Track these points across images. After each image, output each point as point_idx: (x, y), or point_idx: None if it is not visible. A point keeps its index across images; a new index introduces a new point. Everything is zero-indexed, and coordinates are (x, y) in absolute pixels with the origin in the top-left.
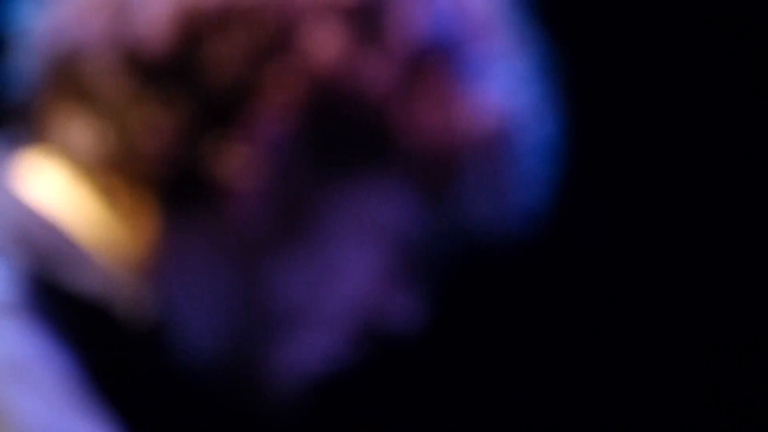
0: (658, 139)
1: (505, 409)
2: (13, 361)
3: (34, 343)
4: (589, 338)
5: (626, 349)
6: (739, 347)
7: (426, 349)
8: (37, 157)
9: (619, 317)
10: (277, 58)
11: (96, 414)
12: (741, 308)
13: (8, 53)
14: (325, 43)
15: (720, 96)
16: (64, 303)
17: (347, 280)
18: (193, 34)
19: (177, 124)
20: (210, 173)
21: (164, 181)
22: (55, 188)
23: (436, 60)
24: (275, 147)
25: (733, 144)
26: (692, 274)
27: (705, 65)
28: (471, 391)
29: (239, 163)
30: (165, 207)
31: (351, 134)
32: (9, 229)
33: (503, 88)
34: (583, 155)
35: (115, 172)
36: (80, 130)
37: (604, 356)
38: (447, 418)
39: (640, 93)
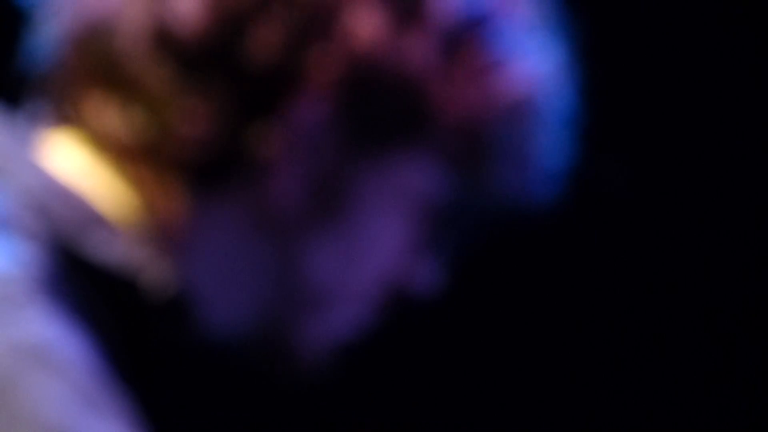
0: (680, 103)
1: (528, 375)
2: (35, 346)
3: (56, 325)
4: (614, 306)
5: (654, 313)
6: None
7: (452, 316)
8: (62, 135)
9: (645, 283)
10: (317, 40)
11: (115, 404)
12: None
13: (35, 27)
14: (365, 23)
15: (741, 61)
16: (87, 275)
17: (378, 252)
18: (232, 19)
19: (215, 110)
20: (247, 154)
21: (198, 164)
22: (80, 166)
23: (471, 34)
24: (314, 128)
25: (754, 103)
26: (717, 236)
27: (727, 36)
28: (493, 360)
29: (277, 145)
30: (196, 186)
31: (389, 112)
32: (32, 202)
33: (532, 58)
34: (608, 121)
35: (146, 154)
36: (113, 113)
37: (631, 322)
38: (467, 384)
39: (662, 63)
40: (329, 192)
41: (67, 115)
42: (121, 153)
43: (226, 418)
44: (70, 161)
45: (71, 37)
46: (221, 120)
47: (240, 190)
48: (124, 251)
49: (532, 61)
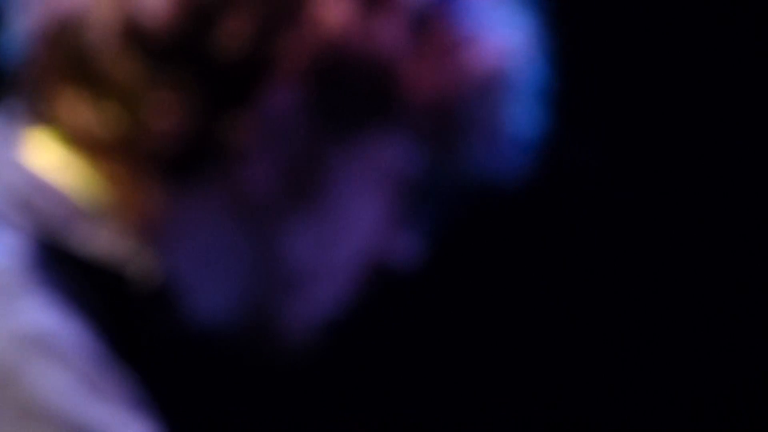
0: (652, 75)
1: (504, 347)
2: (35, 335)
3: (54, 313)
4: (587, 276)
5: (624, 288)
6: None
7: (430, 289)
8: (40, 132)
9: (617, 254)
10: (286, 28)
11: (118, 389)
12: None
13: (7, 24)
14: (332, 9)
15: (713, 40)
16: (73, 269)
17: (356, 230)
18: (200, 10)
19: (186, 102)
20: (220, 144)
21: (172, 156)
22: (59, 162)
23: (438, 12)
24: (286, 114)
25: (719, 74)
26: (687, 208)
27: (700, 14)
28: (472, 332)
29: (250, 133)
30: (172, 178)
31: (360, 95)
32: (16, 198)
33: (500, 33)
34: (577, 93)
35: (120, 149)
36: (84, 109)
37: (603, 295)
38: (447, 355)
39: (634, 32)
40: (304, 176)
41: (42, 112)
42: (95, 148)
43: (218, 404)
44: (49, 158)
45: (42, 33)
46: (193, 111)
47: (215, 179)
48: (109, 244)
49: (500, 36)
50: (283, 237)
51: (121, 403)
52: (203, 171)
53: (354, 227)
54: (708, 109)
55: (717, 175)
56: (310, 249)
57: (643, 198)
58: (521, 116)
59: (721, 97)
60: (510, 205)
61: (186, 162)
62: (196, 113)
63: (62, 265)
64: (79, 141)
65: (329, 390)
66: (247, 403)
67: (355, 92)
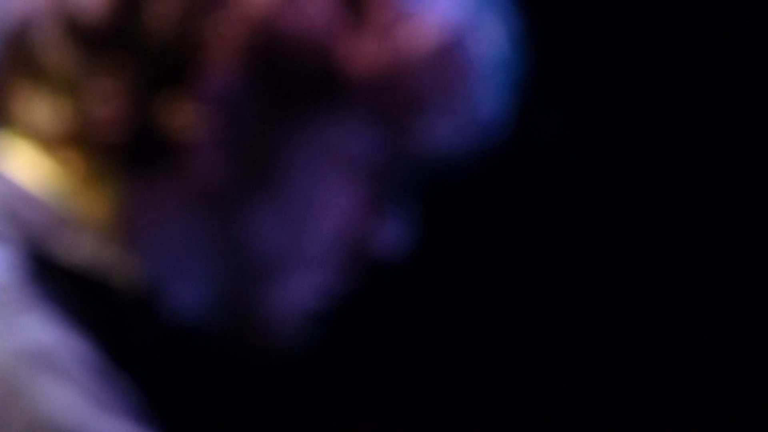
0: (614, 43)
1: (488, 318)
2: (38, 351)
3: (55, 328)
4: (561, 246)
5: (594, 257)
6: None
7: (413, 269)
8: (13, 136)
9: (584, 224)
10: (212, 9)
11: (121, 400)
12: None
13: None
14: None
15: (678, 6)
16: (63, 280)
17: (326, 215)
18: None
19: (127, 89)
20: (166, 132)
21: (123, 147)
22: (26, 166)
23: None
24: (226, 97)
25: (686, 45)
26: (652, 177)
27: None
28: (457, 306)
29: (193, 118)
30: (128, 172)
31: (299, 74)
32: (3, 209)
33: (443, 8)
34: (537, 64)
35: (74, 143)
36: (37, 105)
37: (577, 266)
38: (436, 333)
39: (595, 4)
40: (258, 161)
41: (8, 115)
42: (54, 145)
43: (216, 403)
44: (25, 163)
45: (3, 37)
46: (132, 97)
47: (171, 170)
48: (92, 251)
49: (443, 12)
50: (247, 225)
51: (124, 416)
52: (157, 161)
53: (322, 213)
54: (673, 80)
55: (683, 148)
56: (277, 236)
57: (607, 171)
58: (482, 92)
59: (689, 69)
60: (476, 180)
61: (138, 152)
62: (136, 99)
63: (53, 276)
64: (39, 139)
65: (326, 384)
66: (246, 400)
67: (295, 72)
